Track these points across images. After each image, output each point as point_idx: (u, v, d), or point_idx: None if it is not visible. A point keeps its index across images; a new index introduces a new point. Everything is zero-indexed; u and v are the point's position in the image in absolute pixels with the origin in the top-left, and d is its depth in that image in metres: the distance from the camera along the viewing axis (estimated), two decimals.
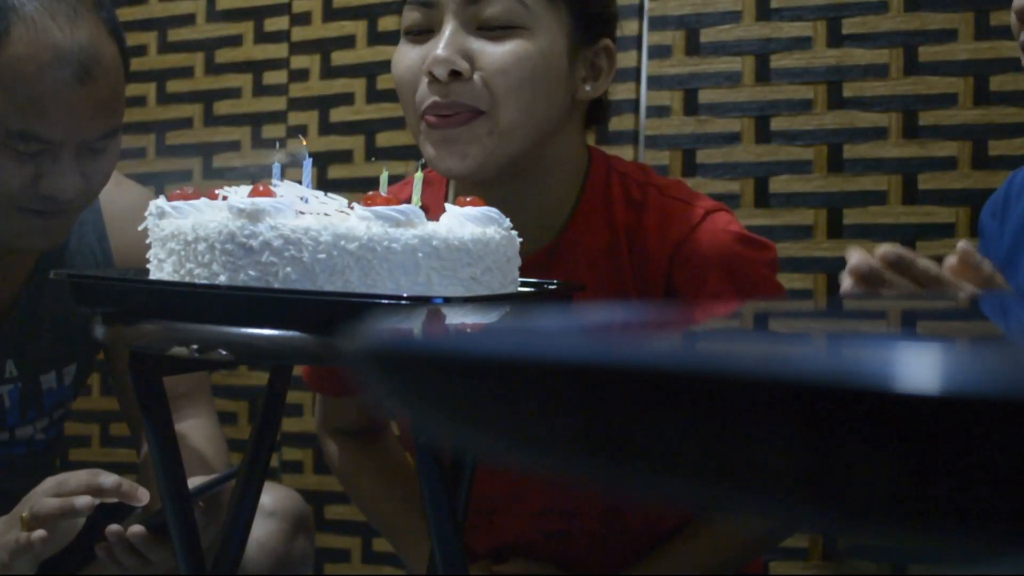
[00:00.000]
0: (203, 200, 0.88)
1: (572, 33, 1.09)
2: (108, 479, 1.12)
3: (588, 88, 1.13)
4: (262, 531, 1.28)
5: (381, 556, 1.96)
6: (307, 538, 1.40)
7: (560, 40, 1.08)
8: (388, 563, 1.96)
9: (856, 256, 0.90)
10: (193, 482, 1.08)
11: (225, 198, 0.87)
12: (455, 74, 1.05)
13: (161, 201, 0.90)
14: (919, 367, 0.22)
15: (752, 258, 1.14)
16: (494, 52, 1.05)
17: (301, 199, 0.88)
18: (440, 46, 1.05)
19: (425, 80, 1.07)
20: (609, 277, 1.13)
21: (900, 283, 0.89)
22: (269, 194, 0.84)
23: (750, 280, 1.13)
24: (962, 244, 0.92)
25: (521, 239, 0.92)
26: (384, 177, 0.93)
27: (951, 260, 0.91)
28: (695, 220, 1.13)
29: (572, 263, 1.13)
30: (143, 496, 1.12)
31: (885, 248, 0.90)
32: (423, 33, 1.09)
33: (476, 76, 1.06)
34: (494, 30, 1.06)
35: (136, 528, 1.09)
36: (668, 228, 1.12)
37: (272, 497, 1.33)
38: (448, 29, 1.06)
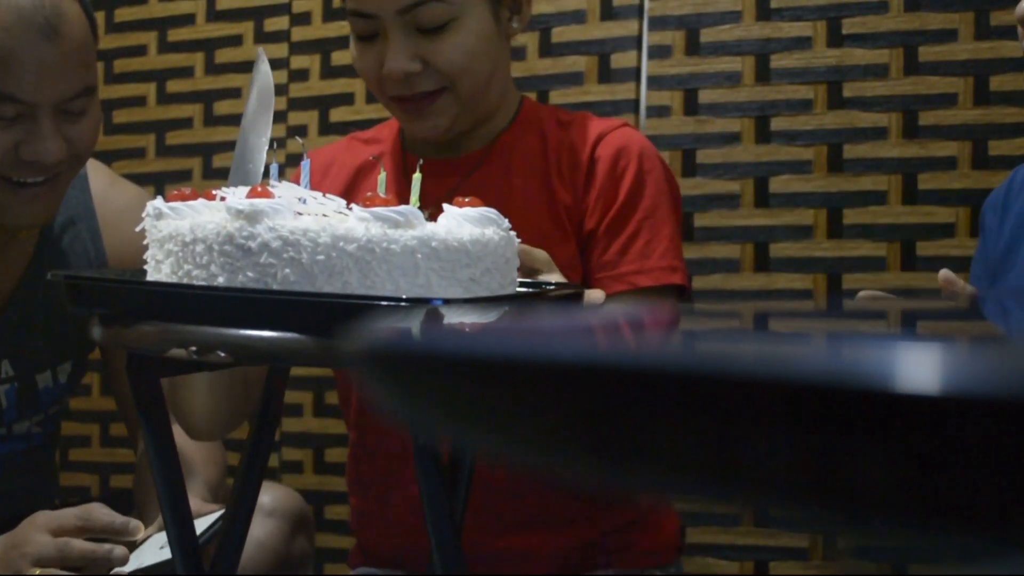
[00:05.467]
0: (201, 201, 0.88)
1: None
2: (100, 519, 1.13)
3: (515, 24, 1.28)
4: (262, 531, 1.28)
5: None
6: (307, 538, 1.40)
7: (484, 11, 1.22)
8: None
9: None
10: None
11: (223, 199, 0.87)
12: (409, 73, 1.19)
13: (159, 202, 0.89)
14: (919, 367, 0.22)
15: (659, 161, 1.28)
16: (437, 48, 1.19)
17: (300, 200, 0.88)
18: (389, 56, 1.19)
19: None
20: (538, 173, 1.28)
21: None
22: (267, 195, 0.84)
23: (655, 176, 1.26)
24: (944, 273, 0.94)
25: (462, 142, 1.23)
26: (382, 178, 0.93)
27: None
28: (617, 124, 1.30)
29: (505, 158, 1.29)
30: (135, 530, 1.14)
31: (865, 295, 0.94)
32: (371, 37, 1.21)
33: (429, 68, 1.20)
34: (430, 30, 1.19)
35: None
36: (593, 129, 1.29)
37: (272, 497, 1.33)
38: (393, 37, 1.19)
